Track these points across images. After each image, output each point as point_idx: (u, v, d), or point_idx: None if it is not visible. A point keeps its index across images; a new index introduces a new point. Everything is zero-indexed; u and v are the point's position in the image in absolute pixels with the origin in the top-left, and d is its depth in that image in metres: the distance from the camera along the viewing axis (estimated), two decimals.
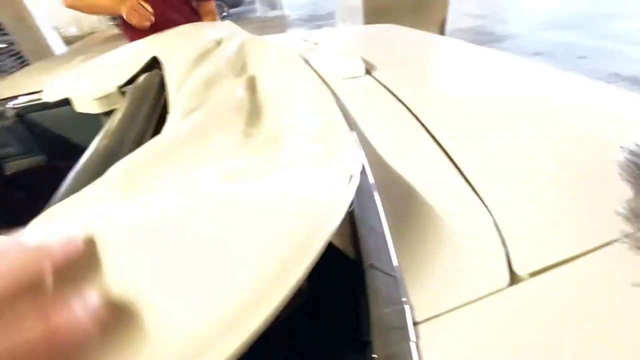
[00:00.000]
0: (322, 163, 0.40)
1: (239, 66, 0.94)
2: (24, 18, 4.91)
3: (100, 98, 0.99)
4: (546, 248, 0.35)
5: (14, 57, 5.60)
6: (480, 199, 0.40)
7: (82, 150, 1.30)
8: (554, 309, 0.30)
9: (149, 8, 1.00)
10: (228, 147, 0.57)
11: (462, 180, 0.44)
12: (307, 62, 0.91)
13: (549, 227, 0.37)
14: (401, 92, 0.71)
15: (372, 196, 0.38)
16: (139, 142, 0.74)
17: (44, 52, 4.98)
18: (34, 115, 1.27)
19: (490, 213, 0.38)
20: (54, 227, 0.37)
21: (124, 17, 1.04)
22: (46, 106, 1.24)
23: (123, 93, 1.03)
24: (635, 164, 0.39)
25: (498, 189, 0.42)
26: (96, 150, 0.65)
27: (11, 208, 1.20)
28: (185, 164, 0.51)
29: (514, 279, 0.32)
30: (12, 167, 1.35)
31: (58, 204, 0.43)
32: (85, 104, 1.00)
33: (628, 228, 0.34)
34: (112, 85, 1.00)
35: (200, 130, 0.58)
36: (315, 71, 0.83)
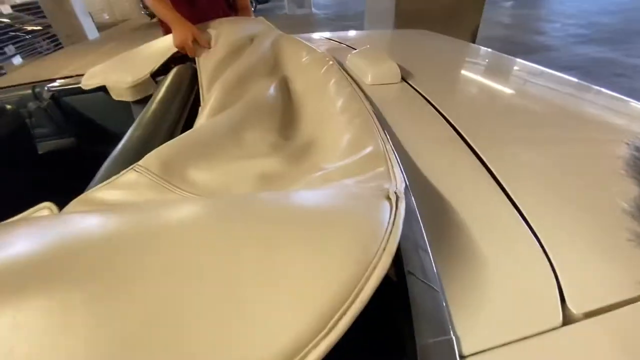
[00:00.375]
0: (361, 180, 0.38)
1: (272, 64, 0.94)
2: (61, 2, 5.08)
3: (134, 86, 1.00)
4: (605, 286, 0.32)
5: (49, 40, 5.82)
6: (530, 225, 0.38)
7: (111, 135, 1.33)
8: (610, 357, 0.27)
9: (206, 42, 1.03)
10: (261, 145, 0.56)
11: (508, 203, 0.41)
12: (341, 65, 0.90)
13: (609, 264, 0.34)
14: (438, 100, 0.69)
15: (415, 216, 0.37)
16: (171, 133, 0.74)
17: (77, 37, 5.15)
18: (68, 99, 1.31)
19: (541, 243, 0.36)
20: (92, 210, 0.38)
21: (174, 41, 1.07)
22: (80, 91, 1.27)
23: (156, 82, 1.05)
24: None
25: (548, 216, 0.39)
26: (130, 139, 0.66)
27: (40, 185, 1.24)
28: (219, 158, 0.51)
29: (567, 317, 0.30)
30: (44, 146, 1.40)
31: (96, 187, 0.44)
32: (121, 92, 1.02)
33: (635, 226, 0.33)
34: (145, 73, 1.01)
35: (235, 126, 0.58)
36: (349, 75, 0.81)
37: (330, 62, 0.83)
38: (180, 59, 1.11)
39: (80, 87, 1.23)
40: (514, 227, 0.38)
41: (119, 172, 0.57)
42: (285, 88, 0.80)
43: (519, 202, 0.41)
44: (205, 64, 0.91)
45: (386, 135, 0.52)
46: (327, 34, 1.41)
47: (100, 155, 0.65)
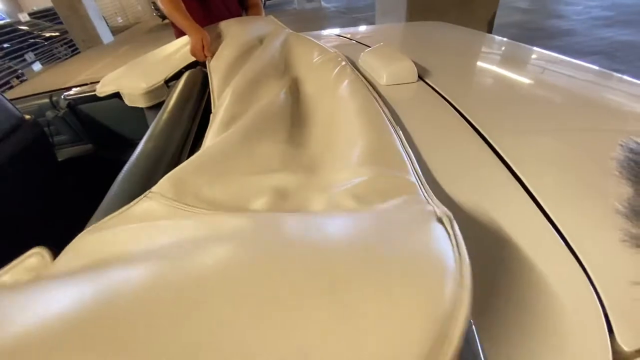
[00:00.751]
0: (397, 204, 0.35)
1: (282, 66, 0.91)
2: (76, 8, 5.18)
3: (148, 92, 1.01)
4: None
5: (66, 45, 5.97)
6: (568, 244, 0.34)
7: (127, 141, 1.34)
8: None
9: (209, 51, 1.04)
10: (275, 156, 0.54)
11: (542, 217, 0.38)
12: (353, 64, 0.87)
13: None
14: (457, 99, 0.65)
15: None
16: (184, 141, 0.74)
17: (93, 41, 5.26)
18: (84, 107, 1.33)
19: (582, 265, 0.33)
20: (104, 246, 0.36)
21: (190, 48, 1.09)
22: (95, 98, 1.29)
23: (168, 87, 1.05)
24: (636, 162, 0.38)
25: (589, 232, 0.36)
26: (143, 151, 0.66)
27: (62, 192, 1.27)
28: (234, 173, 0.49)
29: (618, 356, 0.27)
30: (64, 154, 1.43)
31: (107, 218, 0.42)
32: (135, 98, 1.03)
33: (629, 227, 0.33)
34: (158, 79, 1.01)
35: (247, 139, 0.57)
36: (363, 75, 0.78)
37: (343, 63, 0.80)
38: (192, 62, 1.10)
39: (95, 95, 1.25)
40: (551, 247, 0.35)
41: (133, 188, 0.57)
42: (296, 91, 0.78)
43: (553, 216, 0.38)
44: (215, 69, 0.89)
45: (406, 143, 0.50)
46: (337, 31, 1.37)
47: (118, 159, 0.65)
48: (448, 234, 0.26)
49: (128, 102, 1.08)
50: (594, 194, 0.40)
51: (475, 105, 0.63)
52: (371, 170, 0.42)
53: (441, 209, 0.30)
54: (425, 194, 0.35)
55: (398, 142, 0.49)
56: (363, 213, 0.32)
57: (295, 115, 0.68)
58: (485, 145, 0.52)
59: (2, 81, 4.81)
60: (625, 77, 0.72)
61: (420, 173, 0.42)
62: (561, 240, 0.35)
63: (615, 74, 0.75)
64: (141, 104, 1.05)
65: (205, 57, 1.02)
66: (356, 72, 0.77)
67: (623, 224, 0.34)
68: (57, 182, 1.29)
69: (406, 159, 0.43)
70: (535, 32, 4.48)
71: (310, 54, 0.93)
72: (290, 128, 0.63)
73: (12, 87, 4.53)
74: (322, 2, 8.62)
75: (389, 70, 0.75)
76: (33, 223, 1.19)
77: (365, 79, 0.77)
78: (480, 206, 0.40)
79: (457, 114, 0.61)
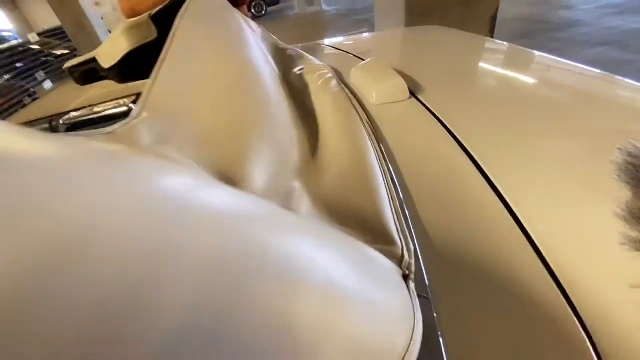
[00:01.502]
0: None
1: (263, 81, 0.89)
2: (83, 25, 5.30)
3: (131, 28, 0.83)
4: None
5: None
6: (566, 294, 0.32)
7: None
8: None
9: None
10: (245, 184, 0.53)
11: (539, 261, 0.35)
12: (344, 81, 0.84)
13: None
14: (451, 119, 0.62)
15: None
16: None
17: None
18: (83, 132, 1.34)
19: (577, 311, 0.30)
20: None
21: None
22: (94, 121, 1.29)
23: (155, 24, 0.86)
24: (634, 165, 0.39)
25: (587, 279, 0.33)
26: None
27: None
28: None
29: None
30: None
31: None
32: (114, 47, 0.86)
33: (627, 230, 0.34)
34: (144, 15, 0.84)
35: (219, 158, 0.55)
36: (354, 93, 0.76)
37: (329, 75, 0.78)
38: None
39: (93, 118, 1.25)
40: (544, 288, 0.32)
41: None
42: (278, 110, 0.75)
43: (549, 258, 0.35)
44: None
45: (387, 173, 0.47)
46: (330, 41, 1.35)
47: None
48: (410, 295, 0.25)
49: (105, 62, 0.89)
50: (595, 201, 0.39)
51: (469, 125, 0.60)
52: (344, 193, 0.41)
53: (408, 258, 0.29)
54: (400, 237, 0.34)
55: (378, 169, 0.47)
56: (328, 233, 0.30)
57: (271, 135, 0.65)
58: (473, 165, 0.49)
59: (16, 100, 4.96)
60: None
61: (400, 212, 0.40)
62: (550, 276, 0.33)
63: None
64: (121, 48, 0.84)
65: None
66: (341, 85, 0.75)
67: (621, 228, 0.35)
68: None
69: (385, 197, 0.41)
70: (542, 25, 4.37)
71: (292, 63, 0.90)
72: (265, 149, 0.61)
73: (25, 105, 4.67)
74: (323, 6, 8.63)
75: (378, 88, 0.73)
76: None
77: (357, 97, 0.74)
78: (462, 237, 0.38)
79: (449, 134, 0.58)
